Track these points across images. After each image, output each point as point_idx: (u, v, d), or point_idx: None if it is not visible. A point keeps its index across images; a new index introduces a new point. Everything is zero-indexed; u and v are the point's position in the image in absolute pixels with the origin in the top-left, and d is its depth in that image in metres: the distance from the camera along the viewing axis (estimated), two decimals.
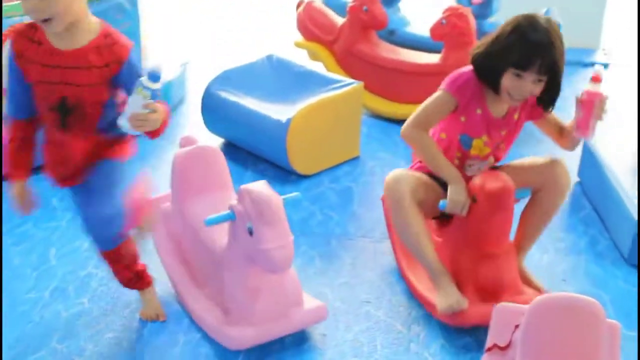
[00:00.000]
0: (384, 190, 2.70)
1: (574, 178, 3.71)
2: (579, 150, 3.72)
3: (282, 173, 3.70)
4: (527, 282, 2.74)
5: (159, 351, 2.55)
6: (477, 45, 2.60)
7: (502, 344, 2.14)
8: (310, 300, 2.63)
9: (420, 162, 2.78)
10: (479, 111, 2.60)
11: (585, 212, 3.47)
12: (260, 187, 2.41)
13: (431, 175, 2.72)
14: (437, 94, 2.62)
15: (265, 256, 2.32)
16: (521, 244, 2.80)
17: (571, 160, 3.82)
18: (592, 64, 5.29)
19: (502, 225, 2.59)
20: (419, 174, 2.71)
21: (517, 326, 2.10)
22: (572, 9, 5.23)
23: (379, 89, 4.31)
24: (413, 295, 2.83)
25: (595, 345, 1.94)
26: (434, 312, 2.68)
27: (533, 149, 4.02)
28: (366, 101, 4.27)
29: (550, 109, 2.66)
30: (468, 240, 2.63)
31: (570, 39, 5.22)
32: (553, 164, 2.68)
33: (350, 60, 4.37)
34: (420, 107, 2.65)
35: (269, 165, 3.78)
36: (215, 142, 4.00)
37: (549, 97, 2.58)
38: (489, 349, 2.16)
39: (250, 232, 2.34)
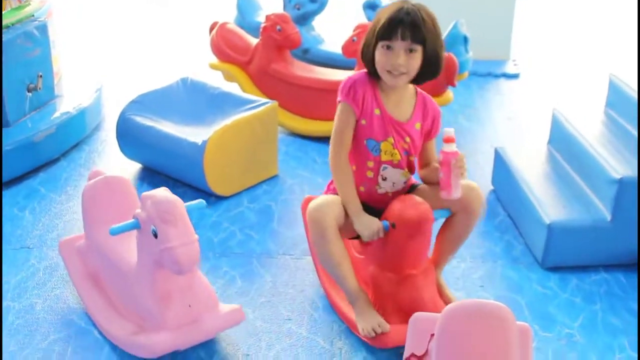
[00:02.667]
0: (307, 218, 2.64)
1: (488, 186, 3.82)
2: (491, 159, 3.83)
3: (201, 195, 3.68)
4: (441, 294, 2.78)
5: None
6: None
7: (419, 353, 2.18)
8: (225, 305, 2.65)
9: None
10: (377, 112, 2.62)
11: (499, 219, 3.56)
12: (161, 191, 2.47)
13: None
14: (338, 108, 2.65)
15: (169, 255, 2.35)
16: (437, 261, 2.82)
17: (485, 168, 3.95)
18: (503, 75, 5.46)
19: (420, 249, 2.62)
20: (337, 199, 2.67)
21: (432, 335, 2.14)
22: (481, 22, 5.39)
23: (295, 107, 4.35)
24: (335, 312, 2.86)
25: (507, 348, 1.99)
26: (355, 331, 2.71)
27: None
28: (283, 120, 4.30)
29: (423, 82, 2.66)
30: (387, 262, 2.64)
31: (480, 51, 5.43)
32: (467, 189, 2.65)
33: (266, 80, 4.39)
34: (332, 130, 2.67)
35: (188, 188, 3.76)
36: (132, 167, 3.97)
37: (425, 72, 2.58)
38: (407, 359, 2.20)
39: (155, 235, 2.38)
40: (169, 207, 2.41)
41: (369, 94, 2.61)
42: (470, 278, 3.10)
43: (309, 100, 4.31)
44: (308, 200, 3.01)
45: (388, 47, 2.51)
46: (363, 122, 2.63)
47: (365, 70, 2.65)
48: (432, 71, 2.60)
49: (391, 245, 2.61)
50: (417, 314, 2.23)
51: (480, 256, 3.25)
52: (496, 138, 4.46)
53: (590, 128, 3.47)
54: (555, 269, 3.15)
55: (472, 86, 5.22)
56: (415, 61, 2.53)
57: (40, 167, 3.95)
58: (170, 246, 2.37)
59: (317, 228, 2.59)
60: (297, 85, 4.31)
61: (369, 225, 2.58)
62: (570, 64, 5.86)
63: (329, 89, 4.26)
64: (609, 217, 3.09)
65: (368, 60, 2.60)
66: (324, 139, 2.93)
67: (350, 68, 4.31)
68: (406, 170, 2.72)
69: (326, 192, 2.81)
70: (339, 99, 2.64)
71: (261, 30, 4.33)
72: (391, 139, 2.64)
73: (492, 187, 3.81)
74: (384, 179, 2.69)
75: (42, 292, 2.97)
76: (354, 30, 4.19)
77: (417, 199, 2.60)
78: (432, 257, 2.81)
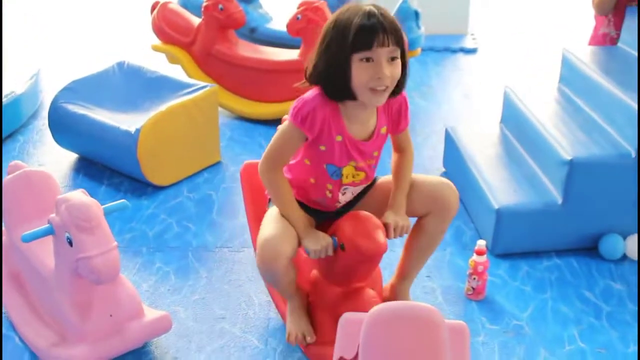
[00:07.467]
0: (257, 252, 2.29)
1: (439, 168, 3.67)
2: (442, 140, 3.68)
3: (139, 185, 3.51)
4: None
5: None
6: (308, 65, 2.22)
7: (348, 357, 2.03)
8: (151, 311, 2.49)
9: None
10: (339, 138, 2.23)
11: None
12: (77, 195, 2.30)
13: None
14: (284, 125, 2.27)
15: (86, 265, 2.20)
16: (406, 273, 2.56)
17: (437, 149, 3.80)
18: (461, 50, 5.31)
19: (369, 271, 2.41)
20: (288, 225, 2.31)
21: None
22: None
23: (241, 89, 4.18)
24: (275, 306, 2.70)
25: (436, 350, 1.85)
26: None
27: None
28: (228, 103, 4.13)
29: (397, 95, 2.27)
30: (332, 276, 2.42)
31: (438, 26, 5.28)
32: (444, 188, 2.40)
33: (210, 62, 4.21)
34: (271, 141, 2.31)
35: (125, 178, 3.58)
36: (69, 158, 3.79)
37: (402, 79, 2.20)
38: None
39: (70, 243, 2.22)
40: (84, 213, 2.23)
41: (330, 120, 2.21)
42: None
43: (254, 81, 4.13)
44: (248, 166, 2.70)
45: (367, 59, 2.11)
46: (322, 148, 2.26)
47: (317, 91, 2.21)
48: (405, 77, 2.22)
49: (338, 263, 2.36)
50: (346, 315, 2.08)
51: None
52: (452, 117, 4.32)
53: (543, 106, 3.33)
54: (505, 255, 3.02)
55: (428, 62, 5.06)
56: (397, 69, 2.14)
57: None
58: (86, 256, 2.20)
59: (267, 268, 2.26)
60: (241, 66, 4.14)
61: (316, 242, 2.28)
62: (529, 38, 5.72)
63: (275, 70, 4.11)
64: (560, 200, 2.95)
65: (336, 81, 2.15)
66: (272, 122, 2.72)
67: (299, 47, 4.14)
68: (369, 182, 2.46)
69: None
70: (290, 118, 2.22)
71: (203, 9, 4.14)
72: (353, 163, 2.31)
73: (443, 169, 3.66)
74: (344, 194, 2.42)
75: None
76: (298, 8, 4.01)
77: (372, 221, 2.29)
78: (399, 270, 2.57)
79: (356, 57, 2.10)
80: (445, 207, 2.39)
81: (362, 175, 2.36)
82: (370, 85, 2.12)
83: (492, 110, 4.24)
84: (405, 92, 2.30)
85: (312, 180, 2.37)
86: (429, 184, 2.42)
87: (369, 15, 2.09)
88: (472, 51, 5.29)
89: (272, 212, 2.37)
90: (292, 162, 2.38)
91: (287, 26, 4.04)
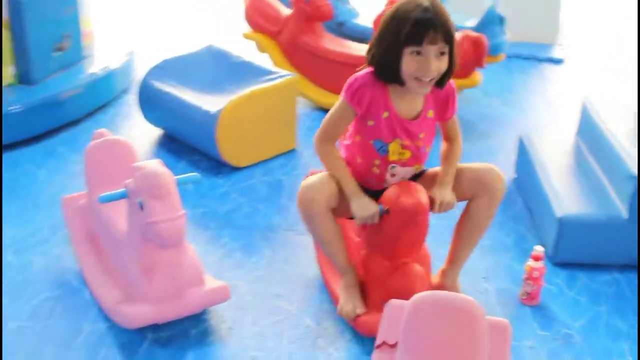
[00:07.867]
0: (297, 198, 2.54)
1: (511, 175, 3.68)
2: (515, 145, 3.70)
3: (215, 164, 3.66)
4: None
5: (60, 341, 2.51)
6: (369, 46, 2.44)
7: (391, 342, 2.11)
8: (212, 281, 2.62)
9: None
10: (385, 114, 2.42)
11: (516, 209, 3.43)
12: (152, 164, 2.46)
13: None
14: (338, 102, 2.48)
15: (153, 229, 2.35)
16: (455, 259, 2.68)
17: (511, 155, 3.81)
18: (548, 60, 5.27)
19: (414, 239, 2.51)
20: (332, 177, 2.53)
21: None
22: (528, 4, 5.21)
23: (323, 81, 4.28)
24: (327, 290, 2.80)
25: (473, 343, 1.91)
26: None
27: (473, 146, 3.97)
28: (310, 93, 4.23)
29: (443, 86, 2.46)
30: (380, 248, 2.55)
31: (526, 34, 5.26)
32: (486, 169, 2.55)
33: (295, 52, 4.33)
34: (326, 115, 2.53)
35: (203, 156, 3.74)
36: (154, 133, 3.97)
37: (447, 72, 2.38)
38: (379, 346, 2.13)
39: (142, 207, 2.37)
40: (157, 180, 2.38)
41: (378, 97, 2.41)
42: (475, 268, 2.97)
43: (337, 74, 4.16)
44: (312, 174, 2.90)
45: (417, 53, 2.30)
46: (370, 123, 2.45)
47: (370, 69, 2.42)
48: (452, 70, 2.39)
49: (385, 231, 2.50)
50: (391, 301, 2.16)
51: (490, 246, 3.13)
52: (531, 125, 4.31)
53: (620, 121, 3.31)
54: (565, 265, 3.02)
55: (513, 70, 5.05)
56: (444, 64, 2.33)
57: (63, 127, 3.98)
58: (154, 220, 2.35)
59: (305, 211, 2.51)
60: (325, 58, 4.24)
61: (365, 208, 2.46)
62: (619, 51, 5.63)
63: (357, 64, 4.14)
64: (625, 215, 2.94)
65: (388, 66, 2.35)
66: None
67: None
68: (417, 165, 2.58)
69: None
70: (342, 95, 2.44)
71: (292, 1, 4.26)
72: (399, 140, 2.47)
73: (515, 176, 3.68)
74: (393, 176, 2.56)
75: (43, 250, 2.99)
76: (385, 5, 4.07)
77: (417, 186, 2.47)
78: (449, 256, 2.69)
79: (407, 50, 2.30)
80: (490, 191, 2.54)
81: (408, 153, 2.51)
82: (416, 75, 2.32)
83: (573, 122, 4.22)
84: (453, 81, 2.49)
85: (359, 160, 2.55)
86: (475, 169, 2.57)
87: (425, 10, 2.27)
88: (558, 61, 5.25)
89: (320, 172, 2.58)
90: (346, 142, 2.58)
91: (375, 22, 4.11)
